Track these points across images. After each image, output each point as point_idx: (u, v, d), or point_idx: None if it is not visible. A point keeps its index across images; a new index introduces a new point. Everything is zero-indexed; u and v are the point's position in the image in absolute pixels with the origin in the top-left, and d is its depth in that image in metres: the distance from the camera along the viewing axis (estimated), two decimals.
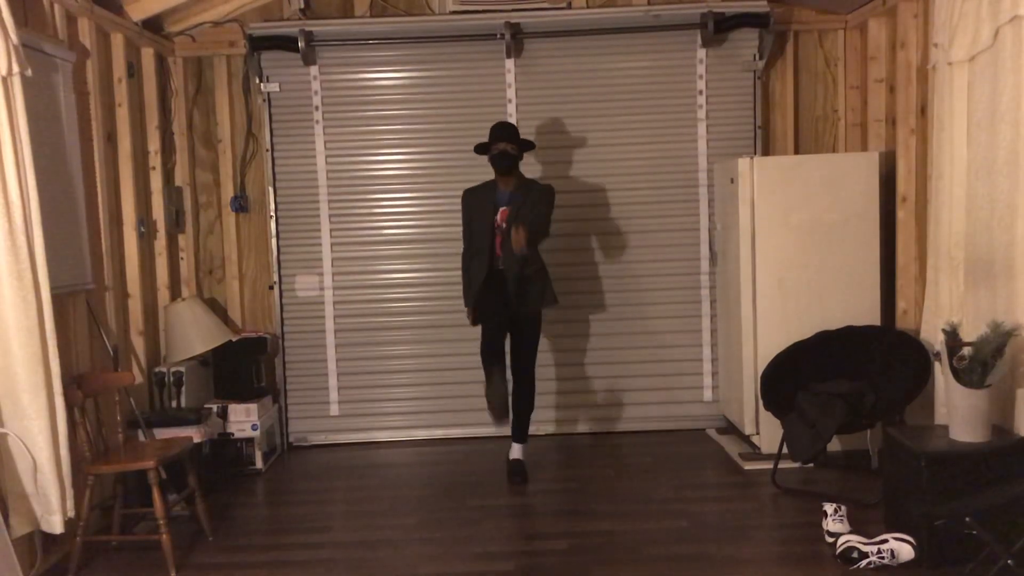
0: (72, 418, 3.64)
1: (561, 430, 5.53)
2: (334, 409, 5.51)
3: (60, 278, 3.77)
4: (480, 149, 4.62)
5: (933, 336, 4.08)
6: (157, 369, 4.84)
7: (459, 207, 4.73)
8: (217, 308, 5.46)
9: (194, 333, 4.94)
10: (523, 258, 4.43)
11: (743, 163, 4.76)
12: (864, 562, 3.37)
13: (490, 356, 4.47)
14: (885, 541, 3.41)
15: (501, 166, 4.51)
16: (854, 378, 4.34)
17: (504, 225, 4.50)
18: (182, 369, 4.82)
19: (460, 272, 4.76)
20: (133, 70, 4.83)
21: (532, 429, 4.91)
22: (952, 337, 3.56)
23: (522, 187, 4.57)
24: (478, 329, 4.62)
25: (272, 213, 5.44)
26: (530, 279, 4.53)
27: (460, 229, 4.72)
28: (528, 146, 4.66)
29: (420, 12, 5.39)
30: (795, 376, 4.42)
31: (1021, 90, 3.49)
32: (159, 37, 5.14)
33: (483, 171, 4.73)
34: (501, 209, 4.53)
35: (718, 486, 4.49)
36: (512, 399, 4.66)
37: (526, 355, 4.63)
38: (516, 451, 4.75)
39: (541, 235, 4.53)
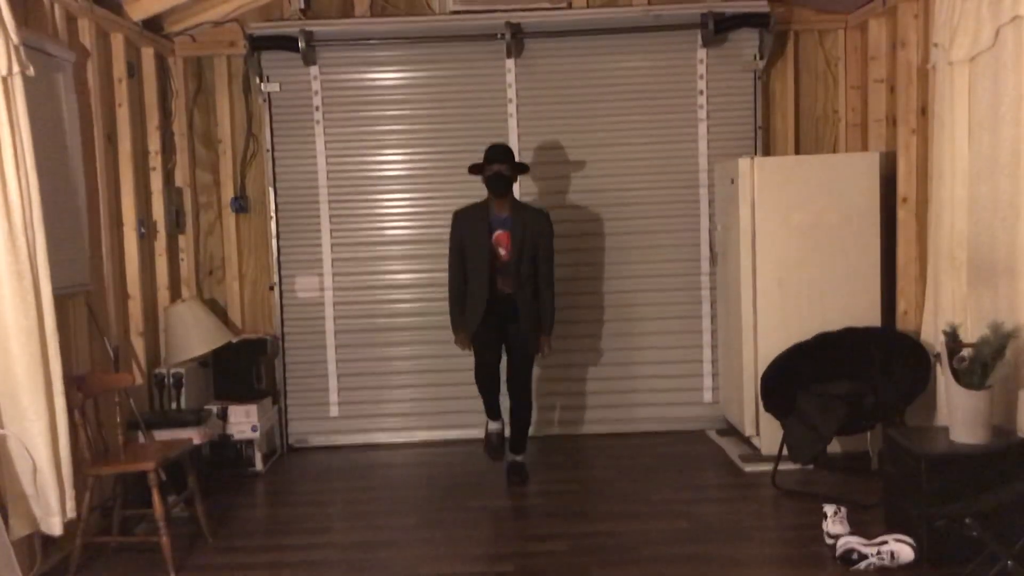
0: (72, 419, 3.64)
1: (561, 431, 5.52)
2: (334, 411, 5.50)
3: (61, 279, 3.76)
4: (474, 169, 4.53)
5: (933, 337, 4.08)
6: (157, 370, 4.84)
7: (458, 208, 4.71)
8: (217, 309, 5.46)
9: (194, 334, 4.94)
10: (532, 297, 4.52)
11: (743, 163, 4.75)
12: (864, 563, 3.37)
13: (486, 380, 4.58)
14: (885, 542, 3.40)
15: (496, 188, 4.45)
16: (854, 379, 4.34)
17: (501, 250, 4.46)
18: (182, 370, 4.82)
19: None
20: (133, 70, 4.83)
21: (533, 431, 4.91)
22: (952, 338, 3.56)
23: (518, 211, 4.52)
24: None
25: (272, 214, 5.44)
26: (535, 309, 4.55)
27: None
28: (522, 169, 4.61)
29: (420, 12, 5.39)
30: (795, 377, 4.41)
31: (1022, 90, 3.49)
32: (159, 37, 5.13)
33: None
34: (498, 232, 4.47)
35: (718, 487, 4.49)
36: (510, 414, 4.68)
37: (522, 370, 4.60)
38: (514, 457, 4.75)
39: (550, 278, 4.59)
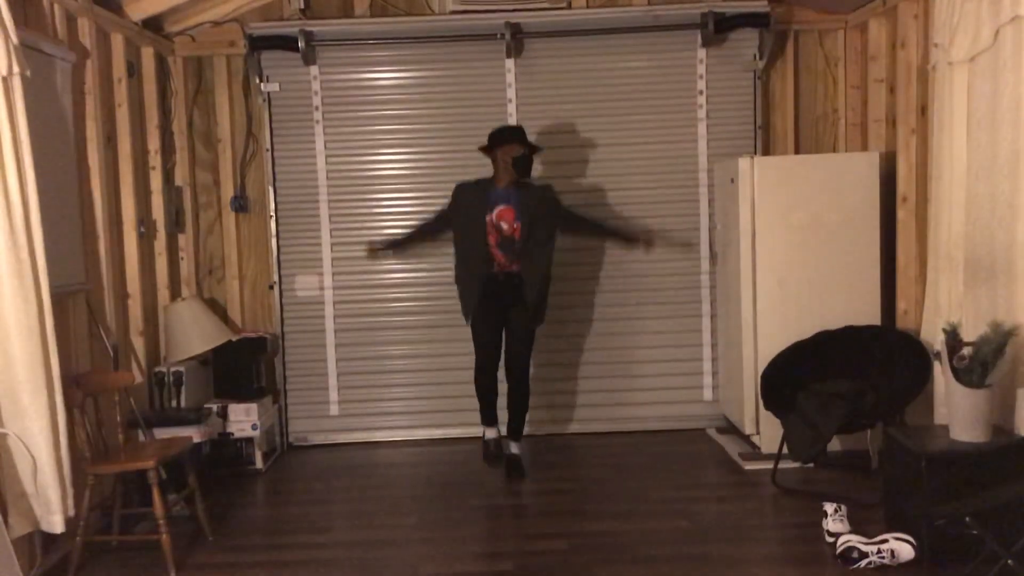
0: (72, 418, 3.64)
1: (561, 430, 5.52)
2: (334, 409, 5.51)
3: (59, 277, 3.75)
4: (488, 149, 4.54)
5: (933, 336, 4.08)
6: (157, 369, 4.84)
7: None
8: (217, 308, 5.46)
9: (194, 333, 4.94)
10: (543, 276, 4.55)
11: (743, 163, 4.76)
12: (864, 562, 3.37)
13: (485, 382, 4.60)
14: (885, 541, 3.41)
15: (526, 170, 4.49)
16: (854, 378, 4.34)
17: (503, 225, 4.48)
18: (182, 369, 4.82)
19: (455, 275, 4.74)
20: (133, 70, 4.83)
21: (532, 429, 4.92)
22: (952, 337, 3.56)
23: (520, 186, 4.54)
24: None
25: (272, 213, 5.44)
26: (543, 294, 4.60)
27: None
28: (538, 149, 4.66)
29: (420, 12, 5.39)
30: (795, 376, 4.42)
31: (1021, 90, 3.49)
32: (159, 37, 5.13)
33: (483, 171, 4.73)
34: (499, 208, 4.48)
35: (718, 486, 4.49)
36: (508, 399, 4.69)
37: (522, 355, 4.62)
38: (513, 447, 4.76)
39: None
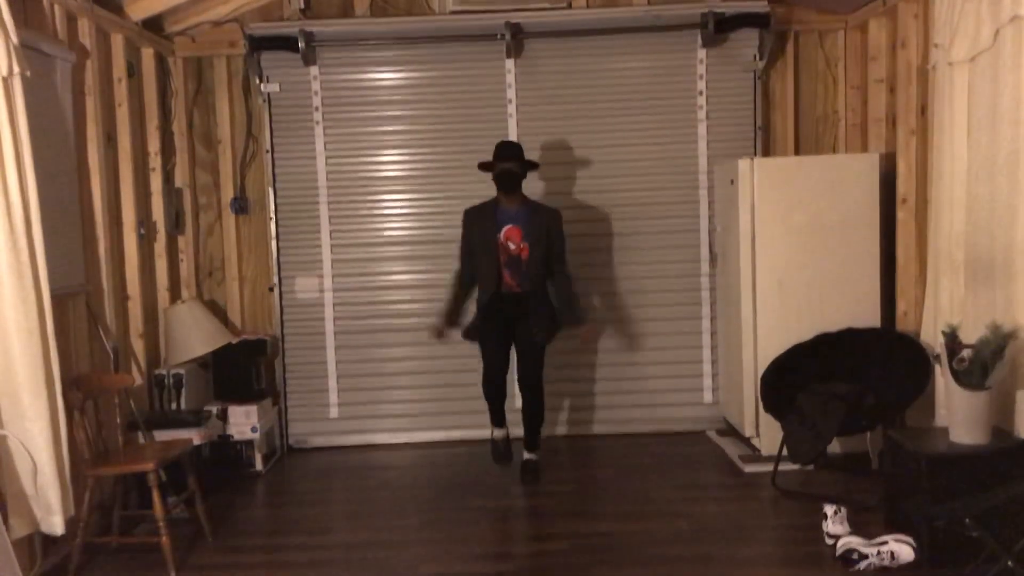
0: (72, 420, 3.64)
1: (561, 431, 5.52)
2: (334, 411, 5.50)
3: (58, 279, 3.75)
4: (484, 167, 4.58)
5: (933, 338, 4.08)
6: (157, 371, 4.84)
7: (459, 208, 4.73)
8: (217, 310, 5.45)
9: (194, 335, 4.94)
10: (540, 292, 4.57)
11: (743, 164, 4.75)
12: (864, 563, 3.37)
13: (492, 390, 4.60)
14: (885, 543, 3.41)
15: (506, 185, 4.49)
16: (854, 380, 4.33)
17: (511, 245, 4.49)
18: (182, 371, 4.82)
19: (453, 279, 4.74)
20: (133, 70, 4.83)
21: None
22: (952, 339, 3.56)
23: (528, 207, 4.56)
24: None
25: (272, 214, 5.44)
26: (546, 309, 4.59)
27: (460, 231, 4.69)
28: (532, 166, 4.64)
29: (420, 12, 5.39)
30: (795, 378, 4.41)
31: (1021, 90, 3.49)
32: (159, 37, 5.13)
33: (484, 174, 4.73)
34: (507, 227, 4.50)
35: (718, 488, 4.48)
36: (522, 412, 4.70)
37: (533, 368, 4.59)
38: (527, 454, 4.76)
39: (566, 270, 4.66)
